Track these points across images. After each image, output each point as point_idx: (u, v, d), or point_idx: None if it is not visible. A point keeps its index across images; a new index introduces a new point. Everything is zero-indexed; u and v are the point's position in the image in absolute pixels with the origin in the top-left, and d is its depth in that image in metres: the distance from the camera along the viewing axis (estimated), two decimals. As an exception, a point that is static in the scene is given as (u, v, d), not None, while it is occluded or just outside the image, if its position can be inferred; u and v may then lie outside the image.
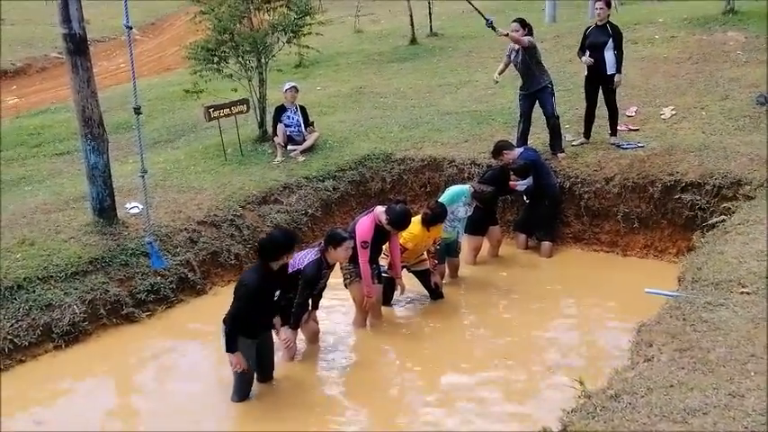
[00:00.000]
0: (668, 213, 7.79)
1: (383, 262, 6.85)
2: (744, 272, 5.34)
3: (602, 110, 8.67)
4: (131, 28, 7.03)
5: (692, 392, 3.86)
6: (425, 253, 7.06)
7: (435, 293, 7.14)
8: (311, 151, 9.70)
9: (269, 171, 9.13)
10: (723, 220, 6.86)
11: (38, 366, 6.21)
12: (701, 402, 3.75)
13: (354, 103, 12.04)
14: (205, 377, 5.99)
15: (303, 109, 10.04)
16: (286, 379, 5.81)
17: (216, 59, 10.05)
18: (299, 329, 6.10)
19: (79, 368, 6.21)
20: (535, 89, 8.50)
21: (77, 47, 7.21)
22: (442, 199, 7.24)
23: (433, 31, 16.86)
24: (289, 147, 9.74)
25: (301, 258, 5.95)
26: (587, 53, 8.39)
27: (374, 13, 22.38)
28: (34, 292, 6.54)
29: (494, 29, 8.34)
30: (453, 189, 7.49)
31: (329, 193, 8.89)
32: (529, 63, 8.41)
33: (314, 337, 6.38)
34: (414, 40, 16.20)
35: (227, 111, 9.71)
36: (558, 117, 8.61)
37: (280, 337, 5.79)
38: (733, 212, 6.96)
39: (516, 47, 8.36)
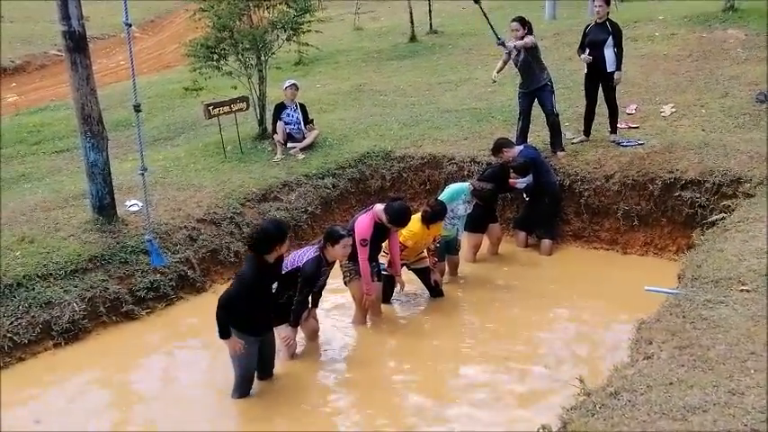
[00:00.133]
0: (668, 211, 7.79)
1: (383, 260, 6.85)
2: (743, 269, 5.34)
3: (602, 107, 8.67)
4: (131, 25, 7.02)
5: (691, 390, 3.86)
6: (425, 251, 7.06)
7: (435, 291, 7.14)
8: (311, 149, 9.69)
9: (269, 169, 9.13)
10: (723, 218, 6.86)
11: (37, 364, 6.21)
12: (700, 400, 3.75)
13: (354, 100, 12.03)
14: (205, 375, 6.00)
15: (303, 106, 10.03)
16: (286, 377, 5.80)
17: (215, 57, 10.04)
18: (298, 327, 6.09)
19: (79, 366, 6.21)
20: (535, 87, 8.49)
21: (77, 44, 7.20)
22: (441, 197, 7.24)
23: (432, 29, 16.86)
24: (288, 144, 9.73)
25: (300, 256, 5.95)
26: (587, 51, 8.38)
27: (374, 10, 22.37)
28: (34, 289, 6.54)
29: (504, 46, 8.34)
30: (453, 187, 7.49)
31: (329, 190, 8.89)
32: (530, 62, 8.41)
33: (313, 335, 6.38)
34: (413, 38, 16.21)
35: (226, 108, 9.71)
36: (557, 115, 8.61)
37: (279, 335, 5.78)
38: (733, 210, 6.96)
39: (516, 45, 8.35)
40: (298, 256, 5.95)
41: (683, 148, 8.10)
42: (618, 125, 8.78)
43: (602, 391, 4.05)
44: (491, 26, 8.46)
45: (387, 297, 7.00)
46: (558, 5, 17.74)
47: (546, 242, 8.14)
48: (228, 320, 5.20)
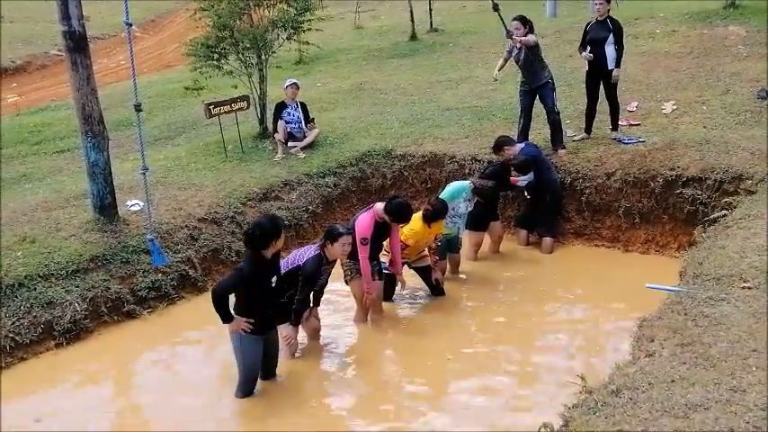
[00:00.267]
0: (669, 208, 7.79)
1: (384, 258, 6.85)
2: (745, 266, 5.34)
3: (603, 105, 8.66)
4: (131, 25, 7.02)
5: (693, 387, 3.86)
6: (426, 249, 7.06)
7: (436, 289, 7.14)
8: (312, 148, 9.69)
9: (269, 168, 9.13)
10: (724, 215, 6.85)
11: (39, 364, 6.21)
12: (702, 397, 3.75)
13: (355, 99, 12.03)
14: (206, 374, 5.99)
15: (303, 105, 10.03)
16: (287, 376, 5.80)
17: (216, 56, 10.05)
18: (300, 326, 6.09)
19: (80, 366, 6.21)
20: (536, 85, 8.49)
21: (77, 44, 7.20)
22: (442, 195, 7.24)
23: (433, 27, 16.84)
24: (289, 143, 9.73)
25: (301, 254, 5.95)
26: (588, 48, 8.38)
27: (374, 9, 22.37)
28: (35, 289, 6.54)
29: (512, 38, 8.32)
30: (454, 185, 7.49)
31: (330, 189, 8.89)
32: (531, 60, 8.40)
33: (315, 334, 6.37)
34: (414, 36, 16.19)
35: (227, 108, 9.71)
36: (558, 112, 8.60)
37: (281, 334, 5.78)
38: (734, 207, 6.95)
39: (519, 44, 8.34)
40: (298, 255, 5.95)
41: (685, 146, 8.10)
42: (619, 122, 8.77)
43: (603, 388, 4.04)
44: (501, 19, 8.43)
45: (388, 296, 7.00)
46: (558, 3, 17.71)
47: (547, 240, 8.14)
48: (226, 305, 5.19)
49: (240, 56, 10.10)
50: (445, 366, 6.01)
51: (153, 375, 6.17)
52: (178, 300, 7.23)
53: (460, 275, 7.64)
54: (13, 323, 6.26)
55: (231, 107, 9.74)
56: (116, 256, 7.12)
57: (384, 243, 6.75)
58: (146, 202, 7.30)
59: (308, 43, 11.31)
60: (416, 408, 5.46)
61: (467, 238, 7.85)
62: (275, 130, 9.84)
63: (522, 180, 7.98)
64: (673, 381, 3.96)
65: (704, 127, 8.64)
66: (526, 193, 8.27)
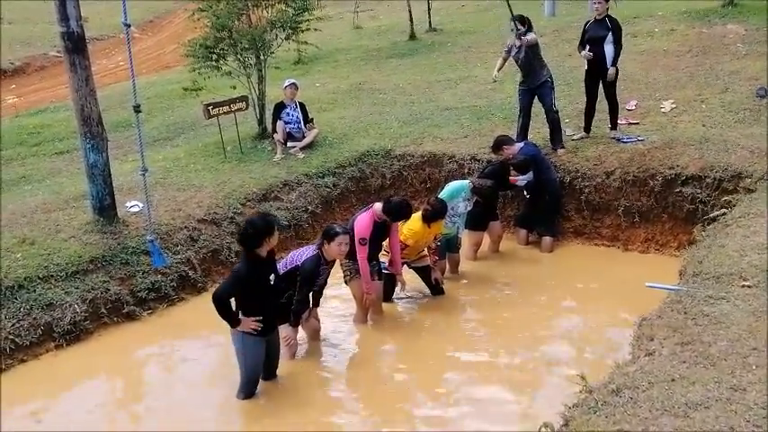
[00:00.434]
0: (669, 207, 7.78)
1: (384, 258, 6.85)
2: (745, 265, 5.34)
3: (602, 104, 8.66)
4: (130, 26, 7.01)
5: (693, 386, 3.86)
6: (426, 249, 7.06)
7: (436, 289, 7.14)
8: (311, 148, 9.69)
9: (269, 168, 9.13)
10: (724, 214, 6.85)
11: (39, 365, 6.21)
12: (702, 396, 3.75)
13: (354, 99, 12.03)
14: (207, 375, 5.99)
15: (302, 106, 10.03)
16: (287, 377, 5.80)
17: (214, 57, 10.04)
18: (299, 327, 6.09)
19: (80, 367, 6.21)
20: (535, 84, 8.49)
21: (75, 45, 7.20)
22: (441, 195, 7.24)
23: (431, 27, 16.83)
24: (288, 144, 9.73)
25: (299, 255, 5.94)
26: (587, 47, 8.38)
27: (373, 8, 22.36)
28: (35, 291, 6.54)
29: (520, 38, 8.29)
30: (453, 185, 7.48)
31: (329, 189, 8.88)
32: (531, 59, 8.40)
33: (315, 335, 6.37)
34: (413, 36, 16.19)
35: (226, 108, 9.70)
36: (557, 111, 8.60)
37: (280, 334, 5.78)
38: (734, 205, 6.95)
39: (518, 43, 8.34)
40: (297, 256, 5.95)
41: (684, 144, 8.10)
42: (618, 121, 8.77)
43: (603, 388, 4.04)
44: (513, 18, 8.37)
45: (388, 296, 7.00)
46: (557, 3, 17.67)
47: (547, 239, 8.14)
48: (229, 309, 5.20)
49: (239, 56, 10.09)
50: (444, 366, 6.00)
51: (153, 376, 6.17)
52: (178, 301, 7.22)
53: (460, 275, 7.64)
54: (12, 325, 6.26)
55: (230, 108, 9.74)
56: (116, 257, 7.12)
57: (383, 243, 6.75)
58: (146, 203, 7.30)
59: (306, 43, 11.31)
60: (417, 408, 5.46)
61: (466, 237, 7.85)
62: (274, 131, 9.84)
63: (521, 179, 7.97)
64: (673, 380, 3.96)
65: (703, 125, 8.64)
66: (525, 193, 8.27)
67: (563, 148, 8.54)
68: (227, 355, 5.58)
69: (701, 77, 10.31)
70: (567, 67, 11.28)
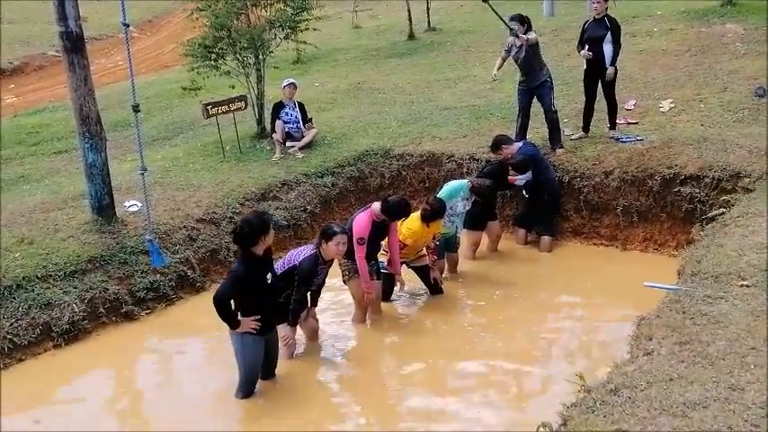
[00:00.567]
0: (667, 206, 7.78)
1: (382, 258, 6.85)
2: (743, 264, 5.34)
3: (601, 104, 8.66)
4: (128, 25, 7.01)
5: (692, 386, 3.86)
6: (425, 248, 7.06)
7: (435, 289, 7.14)
8: (310, 148, 9.69)
9: (267, 168, 9.13)
10: (722, 213, 6.85)
11: (37, 365, 6.20)
12: (701, 396, 3.75)
13: (353, 98, 12.02)
14: (205, 375, 5.99)
15: (301, 105, 10.02)
16: (286, 376, 5.79)
17: (213, 56, 10.04)
18: (298, 327, 6.09)
19: (79, 367, 6.20)
20: (535, 84, 8.49)
21: (74, 45, 7.19)
22: (440, 194, 7.23)
23: (430, 26, 16.83)
24: (287, 143, 9.73)
25: (297, 254, 5.94)
26: (586, 47, 8.38)
27: (372, 8, 22.33)
28: (33, 290, 6.53)
29: (517, 36, 8.29)
30: (451, 184, 7.48)
31: (328, 189, 8.88)
32: (531, 58, 8.40)
33: (313, 335, 6.37)
34: (412, 36, 16.18)
35: (225, 108, 9.70)
36: (556, 111, 8.60)
37: (279, 334, 5.77)
38: (732, 205, 6.95)
39: (519, 42, 8.34)
40: (295, 255, 5.95)
41: (682, 144, 8.10)
42: (617, 121, 8.77)
43: (602, 387, 4.04)
44: (501, 19, 8.40)
45: (387, 295, 7.00)
46: (556, 2, 17.70)
47: (545, 239, 8.14)
48: (229, 311, 5.20)
49: (237, 56, 10.09)
50: (443, 366, 6.01)
51: (151, 376, 6.17)
52: (177, 300, 7.22)
53: (458, 275, 7.64)
54: (11, 324, 6.25)
55: (229, 107, 9.73)
56: (114, 256, 7.11)
57: (382, 243, 6.75)
58: (145, 203, 7.29)
59: (305, 43, 11.31)
60: (415, 407, 5.45)
61: (465, 237, 7.85)
62: (273, 130, 9.84)
63: (520, 179, 7.98)
64: (671, 379, 3.96)
65: (702, 125, 8.64)
66: (524, 192, 8.27)
67: (562, 147, 8.54)
68: (226, 355, 5.58)
69: (699, 77, 10.31)
70: (565, 67, 11.28)
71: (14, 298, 6.43)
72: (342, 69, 14.37)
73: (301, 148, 9.63)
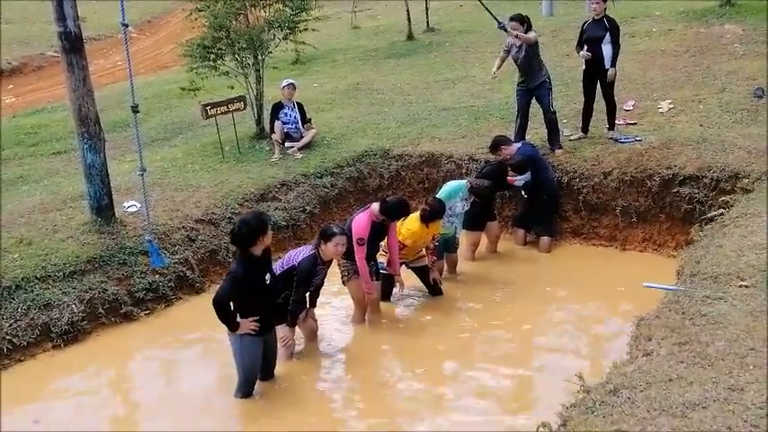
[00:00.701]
0: (666, 207, 7.79)
1: (382, 258, 6.85)
2: (742, 265, 5.34)
3: (599, 104, 8.66)
4: (127, 26, 7.02)
5: (691, 386, 3.86)
6: (424, 249, 7.06)
7: (434, 289, 7.14)
8: (309, 148, 9.68)
9: (267, 168, 9.13)
10: (721, 214, 6.85)
11: (37, 366, 6.20)
12: (700, 396, 3.75)
13: (351, 99, 12.02)
14: (204, 375, 5.98)
15: (300, 106, 10.02)
16: (285, 377, 5.79)
17: (212, 57, 10.02)
18: (296, 327, 6.09)
19: (78, 367, 6.20)
20: (534, 84, 8.49)
21: (73, 45, 7.19)
22: (439, 195, 7.23)
23: (429, 27, 16.83)
24: (286, 144, 9.72)
25: (296, 254, 5.94)
26: (585, 47, 8.38)
27: (371, 8, 22.33)
28: (32, 291, 6.53)
29: (505, 30, 8.29)
30: (450, 184, 7.48)
31: (327, 189, 8.88)
32: (531, 58, 8.40)
33: (312, 335, 6.37)
34: (411, 36, 16.17)
35: (224, 108, 9.69)
36: (555, 112, 8.60)
37: (277, 335, 5.77)
38: (731, 206, 6.95)
39: (518, 42, 8.34)
40: (293, 256, 5.95)
41: (681, 144, 8.11)
42: (616, 122, 8.77)
43: (601, 388, 4.05)
44: (488, 11, 8.41)
45: (386, 296, 7.00)
46: (555, 3, 17.70)
47: (545, 239, 8.15)
48: (229, 313, 5.20)
49: (236, 56, 10.08)
50: (442, 366, 6.01)
51: (151, 377, 6.15)
52: (176, 301, 7.22)
53: (458, 276, 7.64)
54: (10, 325, 6.25)
55: (228, 108, 9.73)
56: (113, 257, 7.11)
57: (381, 243, 6.75)
58: (144, 204, 7.29)
59: (304, 43, 11.30)
60: (415, 408, 5.45)
61: (464, 237, 7.86)
62: (272, 131, 9.83)
63: (519, 180, 7.98)
64: (670, 380, 3.96)
65: (701, 125, 8.65)
66: (523, 193, 8.27)
67: (561, 148, 8.54)
68: (225, 355, 5.58)
69: (698, 77, 10.31)
70: (564, 68, 11.28)
71: (13, 299, 6.42)
72: (341, 70, 14.37)
73: (300, 149, 9.62)
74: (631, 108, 9.58)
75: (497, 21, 8.28)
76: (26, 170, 10.00)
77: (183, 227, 7.69)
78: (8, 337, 6.19)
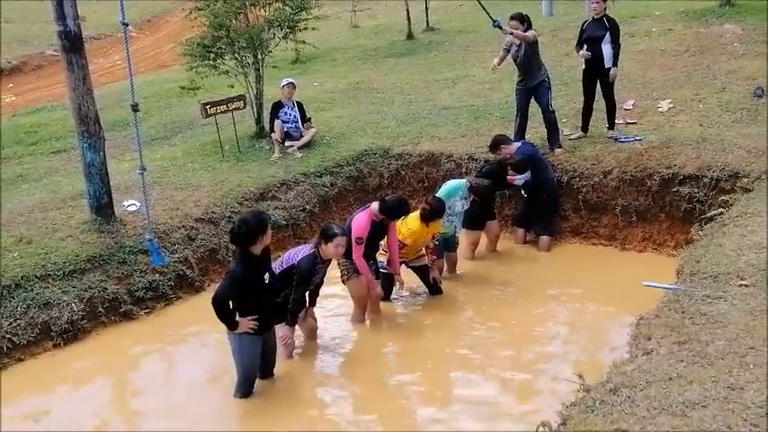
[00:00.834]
0: (666, 206, 7.79)
1: (382, 258, 6.85)
2: (742, 264, 5.34)
3: (599, 103, 8.66)
4: (127, 25, 7.01)
5: (691, 385, 3.86)
6: (424, 248, 7.06)
7: (434, 289, 7.14)
8: (308, 147, 9.68)
9: (266, 167, 9.12)
10: (721, 213, 6.85)
11: (37, 365, 6.20)
12: (700, 395, 3.75)
13: (351, 98, 12.02)
14: (204, 374, 5.98)
15: (300, 105, 10.02)
16: (284, 376, 5.79)
17: (212, 56, 10.02)
18: (296, 326, 6.08)
19: (78, 366, 6.20)
20: (533, 84, 8.49)
21: (73, 44, 7.19)
22: (438, 193, 7.23)
23: (429, 26, 16.84)
24: (286, 143, 9.72)
25: (296, 253, 5.93)
26: (585, 47, 8.38)
27: (371, 7, 22.34)
28: (32, 290, 6.52)
29: (500, 28, 8.29)
30: (450, 183, 7.48)
31: (327, 188, 8.88)
32: (530, 57, 8.40)
33: (312, 334, 6.37)
34: (410, 35, 16.18)
35: (223, 107, 9.69)
36: (554, 111, 8.61)
37: (277, 334, 5.77)
38: (731, 205, 6.95)
39: (518, 41, 8.34)
40: (293, 254, 5.94)
41: (681, 144, 8.11)
42: (615, 121, 8.77)
43: (601, 387, 4.04)
44: (484, 8, 8.41)
45: (386, 295, 7.00)
46: (554, 2, 17.71)
47: (544, 239, 8.15)
48: (228, 312, 5.20)
49: (236, 55, 10.08)
50: (442, 365, 6.00)
51: (150, 375, 6.15)
52: (175, 300, 7.22)
53: (458, 275, 7.63)
54: (10, 324, 6.24)
55: (228, 107, 9.73)
56: (113, 256, 7.11)
57: (381, 242, 6.75)
58: (144, 203, 7.29)
59: (304, 42, 11.30)
60: (415, 407, 5.46)
61: (464, 237, 7.86)
62: (272, 130, 9.83)
63: (518, 179, 7.98)
64: (670, 379, 3.96)
65: (700, 125, 8.65)
66: (523, 192, 8.27)
67: (560, 147, 8.54)
68: (225, 355, 5.57)
69: (698, 77, 10.32)
70: (564, 67, 11.28)
71: (13, 297, 6.42)
72: (340, 69, 14.37)
73: (300, 148, 9.62)
74: (631, 107, 9.59)
75: (492, 19, 8.28)
76: (26, 169, 9.99)
77: (183, 226, 7.68)
78: (8, 336, 6.19)
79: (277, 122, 9.73)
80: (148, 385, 5.99)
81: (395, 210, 6.43)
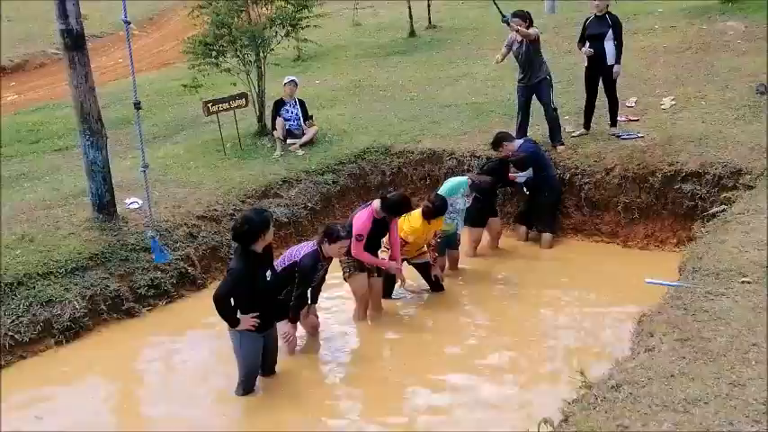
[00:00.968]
0: (668, 203, 7.79)
1: (384, 255, 6.85)
2: (744, 261, 5.33)
3: (602, 100, 8.65)
4: (129, 23, 7.01)
5: (693, 382, 3.86)
6: (425, 246, 7.06)
7: (436, 286, 7.14)
8: (310, 145, 9.68)
9: (268, 165, 9.12)
10: (723, 210, 6.84)
11: (39, 362, 6.21)
12: (701, 392, 3.75)
13: (353, 96, 12.01)
14: (205, 371, 5.99)
15: (302, 103, 10.02)
16: (286, 373, 5.80)
17: (214, 54, 10.03)
18: (298, 323, 6.09)
19: (80, 364, 6.21)
20: (534, 81, 8.48)
21: (75, 42, 7.19)
22: (440, 191, 7.24)
23: (431, 24, 16.81)
24: (288, 141, 9.72)
25: (298, 251, 5.94)
26: (587, 44, 8.37)
27: (372, 5, 22.28)
28: (34, 288, 6.53)
29: (508, 24, 8.27)
30: (452, 181, 7.48)
31: (329, 186, 8.88)
32: (531, 55, 8.39)
33: (314, 331, 6.37)
34: (412, 33, 16.16)
35: (225, 105, 9.70)
36: (555, 109, 8.59)
37: (279, 331, 5.77)
38: (733, 202, 6.95)
39: (519, 38, 8.33)
40: (295, 252, 5.94)
41: (684, 141, 8.10)
42: (618, 118, 8.76)
43: (603, 383, 4.04)
44: (495, 4, 8.39)
45: (387, 293, 7.00)
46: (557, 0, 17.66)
47: (546, 236, 8.14)
48: (230, 310, 5.20)
49: (238, 53, 10.08)
50: (444, 363, 6.01)
51: (152, 373, 6.17)
52: (177, 297, 7.23)
53: (459, 272, 7.63)
54: (12, 321, 6.26)
55: (230, 105, 9.73)
56: (115, 254, 7.11)
57: (383, 240, 6.74)
58: (147, 200, 7.29)
59: (306, 40, 11.32)
60: (416, 404, 5.46)
61: (466, 234, 7.85)
62: (274, 128, 9.84)
63: (520, 176, 7.98)
64: (672, 375, 3.95)
65: (703, 122, 8.64)
66: (525, 190, 8.26)
67: (562, 144, 8.53)
68: (226, 352, 5.58)
69: (700, 74, 10.30)
70: (566, 64, 11.25)
71: (15, 295, 6.43)
72: (342, 67, 14.36)
73: (302, 146, 9.62)
74: (634, 105, 9.57)
75: (502, 14, 8.26)
76: (28, 167, 10.00)
77: (185, 223, 7.69)
78: (10, 334, 6.20)
79: (279, 120, 9.74)
80: (150, 382, 6.02)
81: (396, 207, 6.43)
